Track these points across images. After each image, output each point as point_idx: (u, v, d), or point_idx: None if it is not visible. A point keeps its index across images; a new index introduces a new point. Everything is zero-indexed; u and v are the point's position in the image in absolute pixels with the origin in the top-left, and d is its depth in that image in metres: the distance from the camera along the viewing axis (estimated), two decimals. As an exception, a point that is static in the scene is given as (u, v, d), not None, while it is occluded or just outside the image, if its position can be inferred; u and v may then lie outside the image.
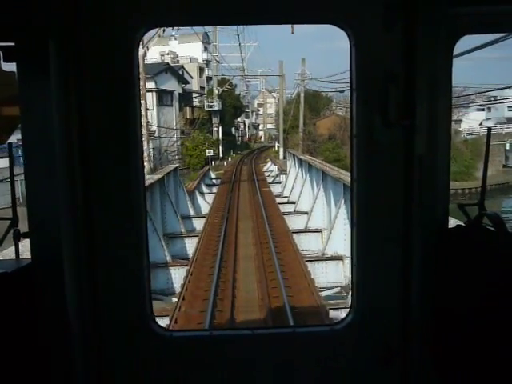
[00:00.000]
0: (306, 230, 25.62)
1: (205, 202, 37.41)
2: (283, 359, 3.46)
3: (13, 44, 2.92)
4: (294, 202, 32.78)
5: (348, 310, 3.56)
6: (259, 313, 14.29)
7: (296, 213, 29.76)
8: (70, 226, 3.12)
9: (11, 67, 3.03)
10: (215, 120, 78.71)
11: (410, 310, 3.33)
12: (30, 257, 3.12)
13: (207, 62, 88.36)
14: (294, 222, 27.65)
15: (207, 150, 65.43)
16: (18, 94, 2.95)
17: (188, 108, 77.80)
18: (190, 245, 23.81)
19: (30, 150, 2.98)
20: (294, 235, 23.77)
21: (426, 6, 3.08)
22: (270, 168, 63.01)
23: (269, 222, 25.91)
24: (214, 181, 52.30)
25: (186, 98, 76.16)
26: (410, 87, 3.14)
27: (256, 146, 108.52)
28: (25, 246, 3.22)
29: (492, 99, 62.87)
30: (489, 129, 4.83)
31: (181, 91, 72.80)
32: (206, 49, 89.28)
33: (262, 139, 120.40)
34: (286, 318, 13.41)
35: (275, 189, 45.40)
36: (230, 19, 3.75)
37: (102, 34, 3.11)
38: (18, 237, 3.30)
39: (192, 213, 30.69)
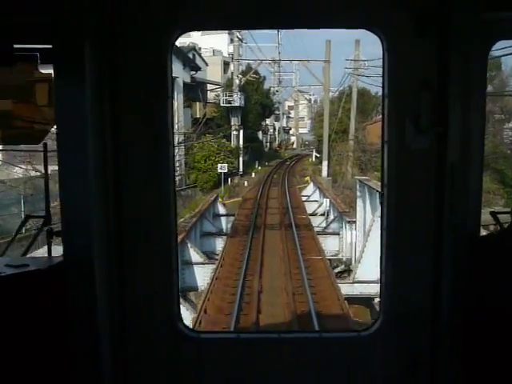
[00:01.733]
0: None
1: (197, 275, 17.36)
2: (309, 363, 3.46)
3: (50, 46, 3.04)
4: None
5: (377, 316, 3.55)
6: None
7: None
8: (101, 225, 3.17)
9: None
10: (235, 120, 57.70)
11: (440, 318, 3.29)
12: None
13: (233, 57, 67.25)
14: None
15: (220, 165, 44.60)
16: (53, 95, 3.12)
17: (198, 103, 57.11)
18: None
19: (64, 151, 3.03)
20: None
21: (460, 12, 3.05)
22: (314, 195, 41.58)
23: None
24: (222, 221, 30.89)
25: (195, 90, 55.44)
26: (443, 94, 3.12)
27: (287, 155, 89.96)
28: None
29: None
30: None
31: (188, 80, 51.94)
32: (232, 41, 69.02)
33: (294, 145, 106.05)
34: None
35: (330, 246, 24.01)
36: (265, 23, 3.69)
37: (136, 37, 3.18)
38: (50, 235, 3.64)
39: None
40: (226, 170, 45.13)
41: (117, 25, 3.14)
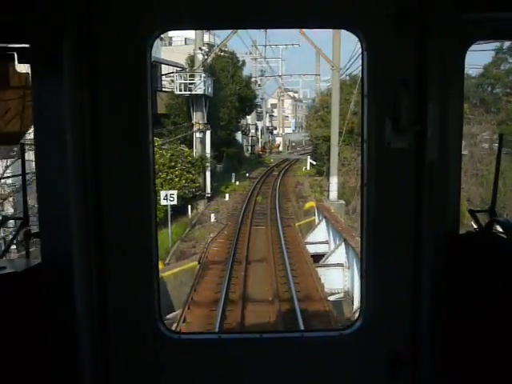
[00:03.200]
0: None
1: None
2: (291, 363, 3.46)
3: (27, 46, 3.04)
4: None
5: (357, 315, 3.57)
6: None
7: None
8: (80, 226, 3.15)
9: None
10: (198, 116, 38.86)
11: (420, 317, 3.33)
12: None
13: (210, 48, 48.45)
14: None
15: (165, 193, 25.90)
16: (31, 95, 3.01)
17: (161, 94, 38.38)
18: None
19: (43, 151, 3.02)
20: None
21: (438, 12, 3.11)
22: (329, 245, 22.67)
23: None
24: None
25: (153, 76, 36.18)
26: (422, 93, 3.16)
27: (273, 160, 72.50)
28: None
29: None
30: (500, 135, 5.74)
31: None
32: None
33: (281, 148, 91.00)
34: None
35: None
36: (242, 23, 3.72)
37: (115, 36, 3.15)
38: (28, 236, 3.47)
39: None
40: (174, 201, 26.36)
41: (96, 24, 3.10)
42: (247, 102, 55.31)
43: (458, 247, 3.26)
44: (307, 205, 34.64)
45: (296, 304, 16.73)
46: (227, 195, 39.37)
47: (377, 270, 3.33)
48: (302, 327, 15.01)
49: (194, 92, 36.95)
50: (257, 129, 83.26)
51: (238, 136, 66.57)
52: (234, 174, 46.74)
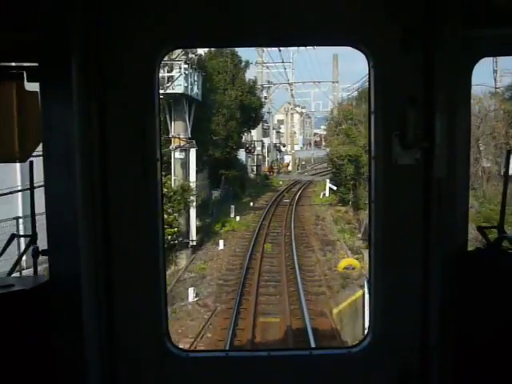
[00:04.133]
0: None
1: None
2: (300, 381, 3.45)
3: (36, 64, 3.08)
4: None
5: (365, 332, 3.59)
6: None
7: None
8: (87, 244, 3.15)
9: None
10: (178, 128, 26.46)
11: (429, 334, 3.28)
12: None
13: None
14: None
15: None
16: (40, 113, 3.04)
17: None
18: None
19: (51, 167, 3.03)
20: None
21: (444, 29, 3.11)
22: None
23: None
24: None
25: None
26: (429, 109, 3.17)
27: (281, 183, 61.12)
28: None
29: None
30: (508, 151, 5.59)
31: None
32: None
33: (290, 167, 79.90)
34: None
35: None
36: (251, 41, 3.77)
37: (123, 54, 3.19)
38: (36, 254, 3.50)
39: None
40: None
41: (104, 42, 3.14)
42: (251, 112, 43.45)
43: (466, 263, 3.26)
44: (343, 263, 22.24)
45: None
46: (221, 242, 27.06)
47: (385, 287, 3.32)
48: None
49: (170, 91, 24.67)
50: (263, 146, 72.21)
51: (241, 155, 55.41)
52: (233, 206, 34.59)
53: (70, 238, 3.02)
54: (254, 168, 60.13)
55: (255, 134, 63.49)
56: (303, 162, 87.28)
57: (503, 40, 3.29)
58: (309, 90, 79.98)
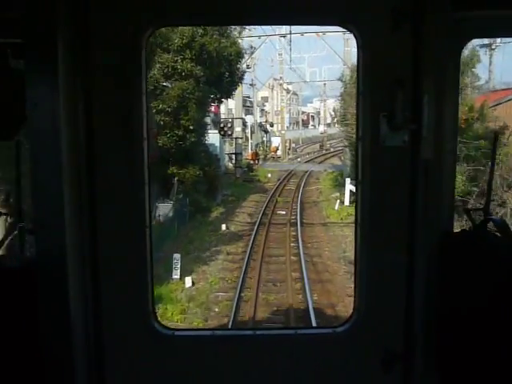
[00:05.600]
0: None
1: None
2: (285, 360, 3.47)
3: (21, 41, 3.06)
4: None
5: (351, 312, 3.57)
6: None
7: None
8: (74, 223, 3.18)
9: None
10: None
11: (413, 314, 3.36)
12: None
13: None
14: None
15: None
16: (26, 92, 3.01)
17: None
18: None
19: (37, 148, 3.05)
20: None
21: (433, 10, 3.12)
22: None
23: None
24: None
25: None
26: (417, 91, 3.18)
27: (271, 175, 45.79)
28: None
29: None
30: (495, 134, 6.22)
31: None
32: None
33: (279, 152, 64.27)
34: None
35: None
36: (239, 19, 3.88)
37: (109, 32, 3.18)
38: (23, 233, 3.53)
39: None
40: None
41: (90, 19, 3.11)
42: (223, 64, 25.50)
43: (451, 245, 3.30)
44: None
45: None
46: None
47: (370, 268, 3.35)
48: None
49: None
50: (245, 125, 54.71)
51: (214, 139, 38.29)
52: (178, 255, 16.84)
53: (56, 217, 3.02)
54: (233, 158, 42.49)
55: (234, 108, 45.98)
56: (293, 144, 74.63)
57: (491, 22, 3.33)
58: (304, 54, 71.58)
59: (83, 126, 3.12)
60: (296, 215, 27.61)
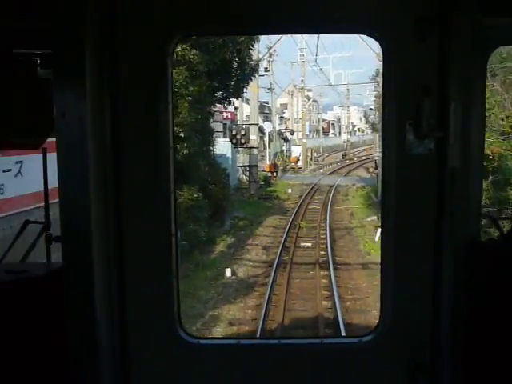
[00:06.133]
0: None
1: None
2: (310, 370, 3.44)
3: (50, 51, 3.14)
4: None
5: (377, 321, 3.54)
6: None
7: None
8: (100, 231, 3.18)
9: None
10: None
11: (440, 325, 3.30)
12: None
13: None
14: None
15: None
16: (53, 101, 3.07)
17: None
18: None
19: (64, 156, 3.08)
20: None
21: (460, 16, 3.09)
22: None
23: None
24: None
25: None
26: (444, 98, 3.16)
27: (291, 191, 40.31)
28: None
29: None
30: None
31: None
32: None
33: (300, 162, 59.98)
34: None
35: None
36: (266, 29, 3.89)
37: (136, 43, 3.22)
38: (50, 241, 3.62)
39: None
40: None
41: (118, 30, 3.15)
42: (230, 52, 18.76)
43: (478, 254, 3.27)
44: None
45: None
46: None
47: (397, 277, 3.33)
48: None
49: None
50: (263, 133, 48.27)
51: (225, 149, 32.44)
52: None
53: (83, 225, 3.06)
54: (246, 172, 35.91)
55: (251, 113, 39.57)
56: (315, 154, 71.69)
57: None
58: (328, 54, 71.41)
59: (110, 134, 3.16)
60: (326, 250, 20.86)
